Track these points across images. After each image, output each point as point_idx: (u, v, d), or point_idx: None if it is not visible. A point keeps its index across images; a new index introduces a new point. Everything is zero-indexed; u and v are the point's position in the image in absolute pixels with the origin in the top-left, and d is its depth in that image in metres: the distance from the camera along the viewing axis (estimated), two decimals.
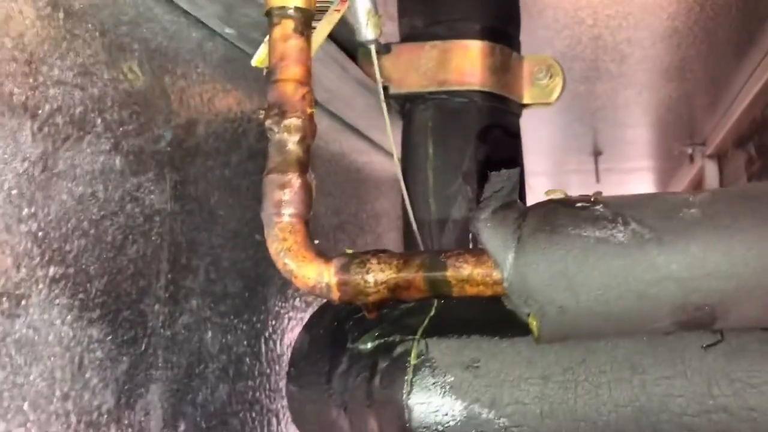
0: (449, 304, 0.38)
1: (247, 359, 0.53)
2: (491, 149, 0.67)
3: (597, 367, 0.34)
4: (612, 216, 0.32)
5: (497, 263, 0.33)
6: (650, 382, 0.33)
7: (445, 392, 0.35)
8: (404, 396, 0.35)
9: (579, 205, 0.33)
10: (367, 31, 0.45)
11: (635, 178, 2.43)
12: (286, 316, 0.61)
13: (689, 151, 2.00)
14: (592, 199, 0.33)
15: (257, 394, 0.55)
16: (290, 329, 0.61)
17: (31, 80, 0.35)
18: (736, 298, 0.30)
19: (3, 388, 0.32)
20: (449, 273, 0.36)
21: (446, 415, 0.35)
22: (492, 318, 0.37)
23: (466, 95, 0.66)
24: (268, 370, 0.56)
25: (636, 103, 1.60)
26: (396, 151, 0.73)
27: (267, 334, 0.57)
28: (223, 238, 0.51)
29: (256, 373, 0.55)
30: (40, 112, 0.35)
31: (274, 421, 0.57)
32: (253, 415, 0.54)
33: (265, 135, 0.58)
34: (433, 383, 0.36)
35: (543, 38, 1.20)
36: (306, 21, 0.40)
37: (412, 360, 0.36)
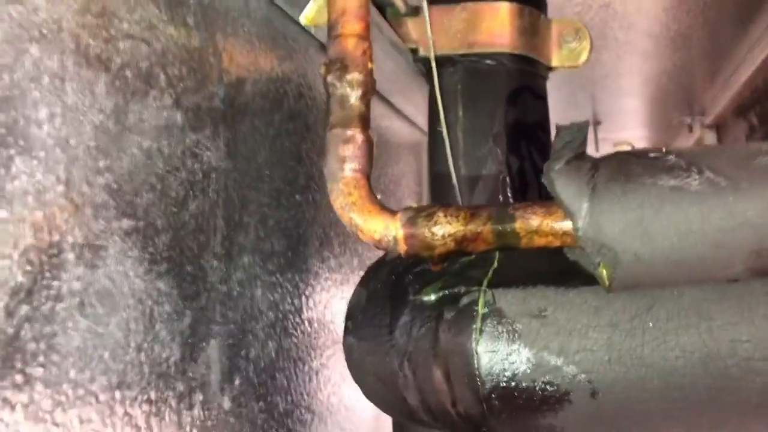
0: (511, 257, 0.39)
1: (291, 316, 0.54)
2: (520, 112, 0.67)
3: (664, 314, 0.35)
4: (686, 165, 0.33)
5: (570, 213, 0.34)
6: (717, 328, 0.34)
7: (513, 340, 0.36)
8: (473, 344, 0.36)
9: (652, 155, 0.34)
10: None
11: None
12: (323, 276, 0.61)
13: (688, 120, 2.01)
14: (663, 150, 0.34)
15: (300, 351, 0.56)
16: (327, 289, 0.62)
17: (104, 33, 0.35)
18: None
19: (87, 337, 0.33)
20: (518, 224, 0.36)
21: (515, 362, 0.36)
22: (555, 269, 0.38)
23: (496, 57, 0.67)
24: (309, 328, 0.57)
25: (639, 72, 1.61)
26: (424, 117, 0.73)
27: (308, 293, 0.57)
28: (269, 197, 0.52)
29: (299, 331, 0.56)
30: (112, 65, 0.35)
31: (314, 377, 0.58)
32: (297, 371, 0.55)
33: (303, 96, 0.59)
34: (501, 331, 0.36)
35: (553, 5, 1.20)
36: None
37: (480, 309, 0.37)
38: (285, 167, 0.54)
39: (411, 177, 0.95)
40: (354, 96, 0.40)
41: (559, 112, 2.10)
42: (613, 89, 1.73)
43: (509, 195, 0.67)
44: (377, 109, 0.83)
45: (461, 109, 0.68)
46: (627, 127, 2.13)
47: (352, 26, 0.40)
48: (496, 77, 0.68)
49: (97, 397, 0.33)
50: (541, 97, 0.71)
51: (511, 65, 0.67)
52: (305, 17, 0.47)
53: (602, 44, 1.40)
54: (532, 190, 0.68)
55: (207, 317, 0.43)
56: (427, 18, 0.47)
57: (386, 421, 0.65)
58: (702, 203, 0.32)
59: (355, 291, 0.44)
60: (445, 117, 0.68)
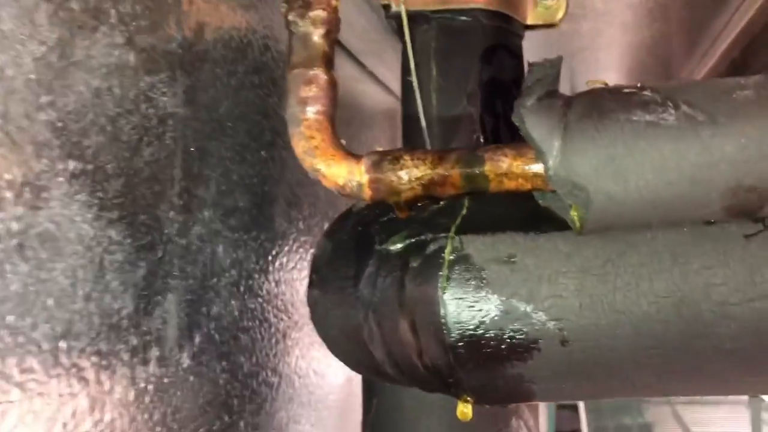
0: (480, 203, 0.38)
1: (256, 276, 0.52)
2: (496, 70, 0.66)
3: (637, 259, 0.34)
4: (662, 100, 0.31)
5: (541, 152, 0.32)
6: (691, 272, 0.33)
7: (481, 287, 0.35)
8: (439, 291, 0.35)
9: (627, 91, 0.32)
10: None
11: None
12: (291, 237, 0.59)
13: None
14: (638, 85, 0.32)
15: (266, 312, 0.54)
16: (295, 250, 0.60)
17: None
18: None
19: (28, 282, 0.31)
20: (487, 167, 0.35)
21: (482, 310, 0.35)
22: (525, 215, 0.36)
23: (471, 14, 0.65)
24: (275, 289, 0.55)
25: (618, 44, 1.60)
26: (398, 82, 0.71)
27: (274, 253, 0.56)
28: (233, 150, 0.49)
29: (264, 291, 0.54)
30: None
31: (281, 339, 0.56)
32: (263, 332, 0.53)
33: (269, 48, 0.56)
34: (469, 278, 0.35)
35: None
36: None
37: (447, 256, 0.35)
38: (249, 121, 0.52)
39: (386, 143, 0.93)
40: (317, 34, 0.38)
41: None
42: (591, 62, 1.72)
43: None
44: (349, 70, 0.81)
45: (435, 68, 0.66)
46: None
47: None
48: (471, 34, 0.66)
49: (39, 346, 0.31)
50: (517, 56, 0.69)
51: (487, 22, 0.65)
52: None
53: (581, 14, 1.38)
54: None
55: (164, 270, 0.41)
56: None
57: (357, 386, 0.64)
58: (678, 139, 0.30)
59: (319, 242, 0.42)
60: (418, 76, 0.66)
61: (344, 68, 0.79)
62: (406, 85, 0.63)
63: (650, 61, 1.75)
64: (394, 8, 0.66)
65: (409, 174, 0.36)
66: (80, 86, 0.34)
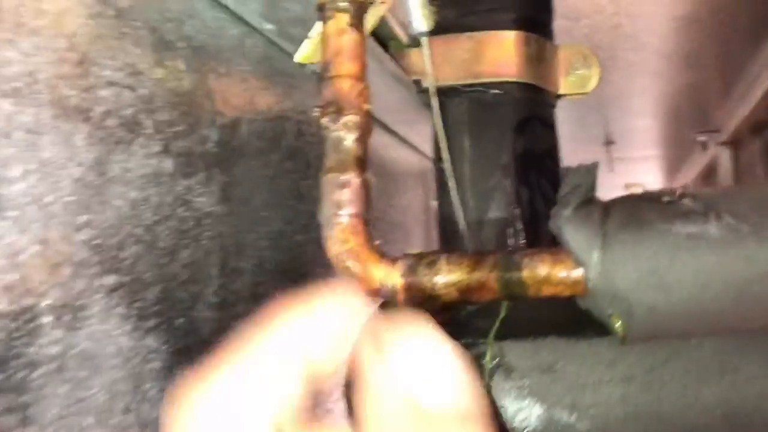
0: (519, 306, 0.37)
1: None
2: (529, 141, 0.65)
3: (683, 367, 0.33)
4: (703, 210, 0.30)
5: (581, 262, 0.32)
6: (741, 382, 0.32)
7: (523, 396, 0.34)
8: None
9: (666, 199, 0.31)
10: (419, 22, 0.43)
11: (646, 167, 2.42)
12: None
13: (702, 138, 1.99)
14: (678, 193, 0.32)
15: None
16: None
17: (83, 81, 0.33)
18: None
19: (67, 403, 0.31)
20: (525, 273, 0.34)
21: (525, 419, 0.34)
22: (566, 318, 0.35)
23: (502, 87, 0.65)
24: None
25: (650, 92, 1.59)
26: (430, 145, 0.72)
27: None
28: (268, 239, 0.50)
29: None
30: (92, 114, 0.33)
31: None
32: None
33: (303, 133, 0.57)
34: (510, 387, 0.34)
35: (561, 27, 1.18)
36: (360, 14, 0.39)
37: (487, 363, 0.35)
38: (284, 207, 0.53)
39: (419, 206, 0.93)
40: (350, 139, 0.38)
41: (571, 133, 2.09)
42: (624, 109, 1.71)
43: (519, 227, 0.65)
44: (382, 139, 0.82)
45: (467, 140, 0.66)
46: (641, 147, 2.10)
47: (347, 67, 0.38)
48: (503, 107, 0.66)
49: None
50: (550, 126, 0.69)
51: (518, 94, 0.66)
52: (300, 56, 0.45)
53: (612, 65, 1.38)
54: (543, 222, 0.66)
55: None
56: (426, 54, 0.45)
57: None
58: (722, 251, 0.29)
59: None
60: (452, 149, 0.66)
61: (378, 137, 0.80)
62: (439, 172, 0.63)
63: (686, 107, 1.74)
64: (424, 84, 0.67)
65: (446, 279, 0.35)
66: (117, 201, 0.35)
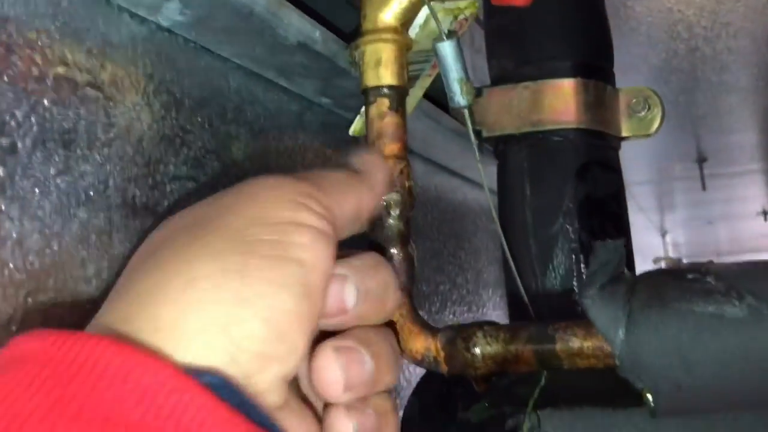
0: (559, 373, 0.38)
1: None
2: (591, 186, 0.66)
3: None
4: (725, 289, 0.31)
5: (607, 339, 0.33)
6: None
7: None
8: None
9: (690, 276, 0.32)
10: (460, 98, 0.45)
11: (743, 181, 2.32)
12: None
13: None
14: (702, 270, 0.32)
15: None
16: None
17: (150, 180, 0.37)
18: None
19: None
20: (558, 346, 0.36)
21: None
22: (605, 388, 0.37)
23: (562, 134, 0.66)
24: None
25: (741, 108, 1.53)
26: (492, 195, 0.73)
27: None
28: None
29: None
30: (159, 208, 0.37)
31: None
32: None
33: None
34: None
35: (637, 55, 1.17)
36: (400, 98, 0.42)
37: None
38: None
39: (492, 243, 0.94)
40: (392, 216, 0.40)
41: (661, 151, 2.03)
42: (714, 127, 1.66)
43: (583, 272, 0.65)
44: (450, 183, 0.84)
45: (529, 188, 0.67)
46: (736, 162, 2.02)
47: (389, 148, 0.41)
48: (563, 153, 0.66)
49: None
50: (613, 169, 0.69)
51: (578, 140, 0.66)
52: (353, 130, 0.48)
53: (694, 86, 1.35)
54: None
55: None
56: (470, 125, 0.47)
57: None
58: (743, 332, 0.30)
59: (409, 401, 0.44)
60: (513, 196, 0.68)
61: (444, 182, 0.82)
62: (500, 208, 0.64)
63: None
64: (485, 133, 0.68)
65: (482, 351, 0.37)
66: None
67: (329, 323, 0.31)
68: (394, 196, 0.41)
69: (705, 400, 0.32)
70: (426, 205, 0.76)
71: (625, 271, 0.35)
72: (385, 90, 0.41)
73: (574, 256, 0.65)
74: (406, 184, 0.41)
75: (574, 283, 0.65)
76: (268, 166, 0.47)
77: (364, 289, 0.31)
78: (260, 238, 0.28)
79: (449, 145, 0.70)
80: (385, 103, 0.41)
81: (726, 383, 0.31)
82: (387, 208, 0.40)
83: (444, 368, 0.38)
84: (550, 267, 0.66)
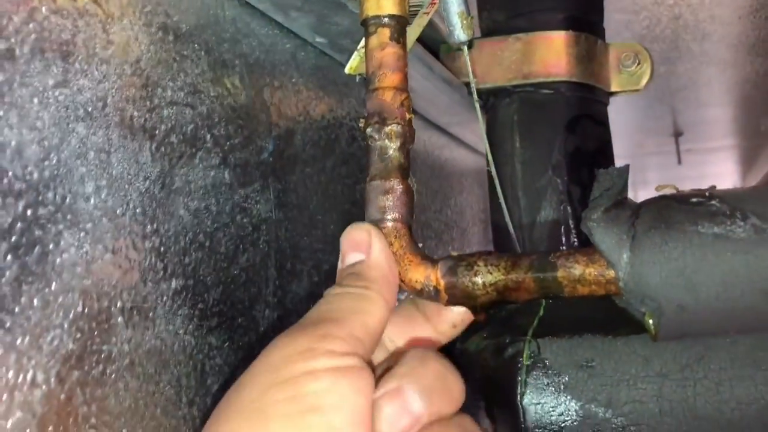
0: (558, 304, 0.38)
1: None
2: (580, 140, 0.66)
3: (717, 364, 0.34)
4: (730, 211, 0.31)
5: (611, 263, 0.33)
6: None
7: (559, 392, 0.35)
8: (518, 397, 0.36)
9: (694, 200, 0.32)
10: (460, 32, 0.45)
11: (718, 157, 2.35)
12: None
13: None
14: (707, 194, 0.32)
15: None
16: None
17: (148, 103, 0.36)
18: None
19: (138, 396, 0.34)
20: (560, 273, 0.36)
21: (562, 414, 0.35)
22: (603, 316, 0.37)
23: (552, 86, 0.66)
24: None
25: (719, 82, 1.55)
26: (483, 147, 0.73)
27: None
28: (323, 241, 0.52)
29: None
30: (157, 132, 0.37)
31: None
32: None
33: (357, 139, 0.60)
34: (547, 383, 0.36)
35: (621, 22, 1.17)
36: (401, 28, 0.41)
37: (525, 360, 0.36)
38: (339, 210, 0.55)
39: (477, 204, 0.95)
40: (393, 147, 0.40)
41: (638, 125, 2.05)
42: (692, 100, 1.67)
43: (571, 225, 0.65)
44: (439, 140, 0.84)
45: (518, 140, 0.67)
46: (711, 137, 2.05)
47: (389, 79, 0.41)
48: (553, 106, 0.67)
49: None
50: (602, 123, 0.69)
51: (569, 93, 0.66)
52: (349, 67, 0.47)
53: (676, 56, 1.36)
54: None
55: None
56: (469, 63, 0.47)
57: None
58: (747, 251, 0.30)
59: None
60: (502, 149, 0.68)
61: (433, 139, 0.82)
62: (491, 177, 0.65)
63: (757, 95, 1.68)
64: (476, 85, 0.68)
65: (484, 279, 0.37)
66: (180, 210, 0.38)
67: None
68: (396, 128, 0.40)
69: (707, 322, 0.32)
70: (414, 160, 0.76)
71: (628, 198, 0.35)
72: (386, 19, 0.40)
73: (562, 208, 0.66)
74: (407, 117, 0.41)
75: (562, 234, 0.65)
76: (263, 101, 0.46)
77: (423, 389, 0.30)
78: (275, 399, 0.29)
79: (439, 96, 0.70)
80: (386, 33, 0.41)
81: (729, 304, 0.31)
82: (388, 138, 0.40)
83: (444, 298, 0.38)
84: (539, 219, 0.66)
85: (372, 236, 0.37)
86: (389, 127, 0.40)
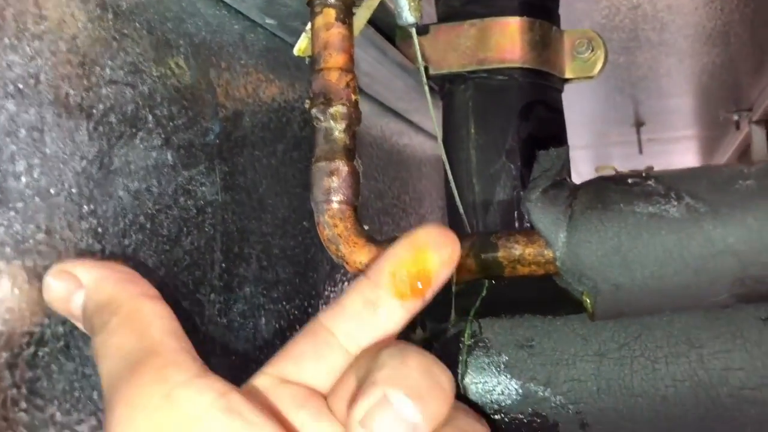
0: (501, 285, 0.39)
1: None
2: (534, 126, 0.66)
3: (653, 343, 0.34)
4: (665, 191, 0.32)
5: (549, 243, 0.33)
6: (708, 356, 0.33)
7: (500, 371, 0.36)
8: (459, 376, 0.36)
9: (630, 181, 0.33)
10: (408, 14, 0.45)
11: (679, 147, 2.39)
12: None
13: (735, 117, 1.95)
14: (643, 174, 0.33)
15: None
16: None
17: (85, 81, 0.35)
18: None
19: (73, 379, 0.34)
20: (501, 254, 0.36)
21: (502, 394, 0.35)
22: (545, 297, 0.37)
23: (507, 73, 0.66)
24: None
25: (678, 72, 1.57)
26: (438, 132, 0.73)
27: None
28: (273, 225, 0.52)
29: None
30: (94, 111, 0.36)
31: None
32: None
33: (309, 123, 0.59)
34: (488, 363, 0.36)
35: (581, 10, 1.18)
36: (347, 9, 0.41)
37: (466, 340, 0.36)
38: (290, 195, 0.55)
39: (435, 191, 0.95)
40: (337, 129, 0.40)
41: (600, 115, 2.07)
42: (653, 90, 1.69)
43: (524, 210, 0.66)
44: (397, 126, 0.84)
45: (473, 126, 0.67)
46: (672, 127, 2.08)
47: (334, 59, 0.40)
48: (508, 92, 0.67)
49: None
50: (556, 110, 0.70)
51: (523, 80, 0.67)
52: (297, 49, 0.47)
53: (635, 46, 1.37)
54: None
55: (205, 350, 0.43)
56: (417, 45, 0.47)
57: None
58: (680, 230, 0.31)
59: None
60: (458, 135, 0.68)
61: (390, 125, 0.82)
62: (445, 148, 0.65)
63: (716, 86, 1.71)
64: (432, 70, 0.68)
65: None
66: (120, 191, 0.37)
67: None
68: (341, 109, 0.40)
69: (643, 301, 0.32)
70: (372, 146, 0.76)
71: (568, 178, 0.35)
72: (332, 0, 0.40)
73: (515, 193, 0.66)
74: (353, 98, 0.41)
75: (516, 218, 0.65)
76: (209, 82, 0.45)
77: (413, 391, 0.26)
78: None
79: (394, 81, 0.69)
80: (331, 13, 0.40)
81: (662, 282, 0.31)
82: (333, 119, 0.40)
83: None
84: (492, 205, 0.66)
85: (70, 271, 0.32)
86: (334, 108, 0.40)
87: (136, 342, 0.29)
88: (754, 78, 1.65)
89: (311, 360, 0.33)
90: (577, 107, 1.75)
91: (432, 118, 0.50)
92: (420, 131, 0.90)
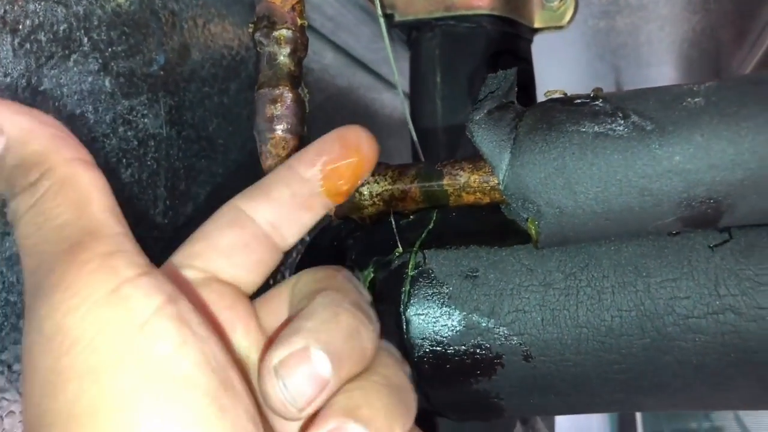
0: (448, 217, 0.37)
1: None
2: None
3: (599, 272, 0.33)
4: (612, 110, 0.30)
5: (493, 166, 0.32)
6: (655, 285, 0.32)
7: (443, 302, 0.34)
8: (402, 308, 0.35)
9: (578, 101, 0.31)
10: None
11: None
12: None
13: None
14: (591, 95, 0.31)
15: None
16: (290, 255, 0.60)
17: None
18: (742, 189, 0.29)
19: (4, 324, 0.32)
20: (445, 182, 0.35)
21: (445, 325, 0.34)
22: (492, 228, 0.36)
23: (475, 20, 0.64)
24: None
25: (659, 39, 1.55)
26: (405, 82, 0.71)
27: None
28: (224, 166, 0.50)
29: None
30: (20, 27, 0.34)
31: None
32: None
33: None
34: (431, 294, 0.35)
35: None
36: None
37: (410, 271, 0.35)
38: (244, 137, 0.53)
39: (406, 148, 0.93)
40: (282, 54, 0.38)
41: (581, 84, 2.05)
42: (632, 58, 1.67)
43: None
44: (364, 80, 0.82)
45: (440, 75, 0.66)
46: None
47: None
48: (475, 40, 0.65)
49: (9, 366, 0.33)
50: (525, 60, 0.68)
51: (491, 27, 0.65)
52: None
53: (615, 10, 1.35)
54: None
55: None
56: None
57: None
58: (626, 149, 0.29)
59: (300, 258, 0.43)
60: (425, 85, 0.66)
61: (358, 77, 0.80)
62: (412, 99, 0.63)
63: (696, 55, 1.70)
64: (397, 17, 0.66)
65: (371, 189, 0.36)
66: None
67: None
68: (285, 33, 0.38)
69: (587, 225, 0.31)
70: (338, 97, 0.74)
71: (515, 102, 0.34)
72: None
73: None
74: (299, 22, 0.39)
75: None
76: (155, 10, 0.43)
77: (335, 351, 0.25)
78: None
79: (360, 27, 0.67)
80: None
81: (607, 204, 0.30)
82: (277, 44, 0.38)
83: (330, 209, 0.36)
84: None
85: None
86: (278, 32, 0.38)
87: (72, 216, 0.25)
88: (735, 46, 1.63)
89: (242, 255, 0.30)
90: (558, 75, 1.73)
91: (391, 61, 0.49)
92: (390, 87, 0.88)
